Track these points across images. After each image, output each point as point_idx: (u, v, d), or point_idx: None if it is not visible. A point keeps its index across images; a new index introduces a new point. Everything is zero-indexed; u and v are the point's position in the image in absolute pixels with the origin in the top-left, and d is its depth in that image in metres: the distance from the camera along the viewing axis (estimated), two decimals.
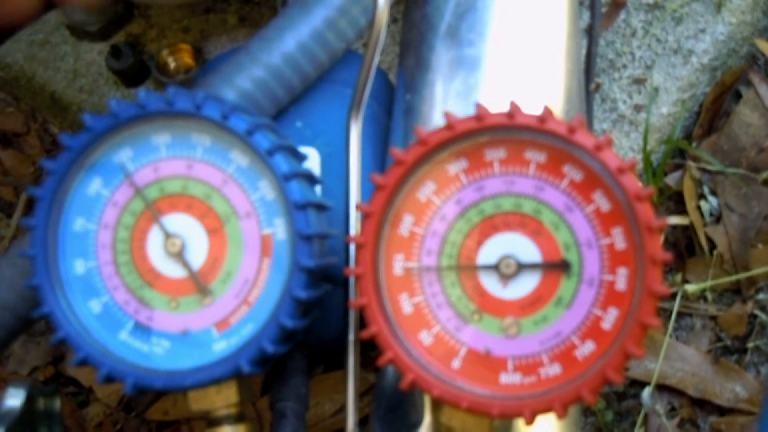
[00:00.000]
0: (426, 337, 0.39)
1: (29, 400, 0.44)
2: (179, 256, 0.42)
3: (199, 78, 0.51)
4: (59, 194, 0.43)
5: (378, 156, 0.52)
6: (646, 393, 0.79)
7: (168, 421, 0.88)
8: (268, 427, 0.47)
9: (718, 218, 0.86)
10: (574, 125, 0.37)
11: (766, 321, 0.82)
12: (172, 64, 0.95)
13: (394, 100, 0.53)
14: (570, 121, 0.37)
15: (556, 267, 0.38)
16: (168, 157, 0.43)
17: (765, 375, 0.80)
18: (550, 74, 0.49)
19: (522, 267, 0.39)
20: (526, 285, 0.39)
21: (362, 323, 0.41)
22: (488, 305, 0.39)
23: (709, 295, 0.84)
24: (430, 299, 0.39)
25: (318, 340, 0.49)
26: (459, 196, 0.40)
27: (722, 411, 0.79)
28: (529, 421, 0.36)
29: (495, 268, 0.39)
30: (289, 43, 0.48)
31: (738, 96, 0.92)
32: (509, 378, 0.38)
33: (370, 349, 0.45)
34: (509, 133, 0.39)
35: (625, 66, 0.89)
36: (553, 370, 0.38)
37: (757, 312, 0.83)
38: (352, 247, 0.46)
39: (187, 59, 0.95)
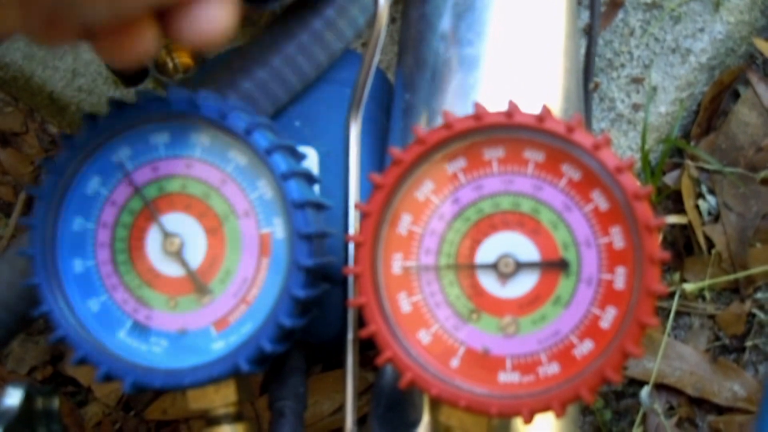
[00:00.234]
0: (424, 336, 0.39)
1: (28, 400, 0.44)
2: (178, 255, 0.42)
3: (197, 78, 0.51)
4: (58, 193, 0.43)
5: (376, 155, 0.52)
6: (645, 392, 0.79)
7: (166, 420, 0.88)
8: (266, 426, 0.47)
9: (716, 217, 0.86)
10: (572, 124, 0.37)
11: (764, 320, 0.82)
12: (170, 64, 0.95)
13: (392, 100, 0.53)
14: (568, 121, 0.37)
15: (554, 266, 0.38)
16: (167, 157, 0.43)
17: (763, 374, 0.80)
18: (548, 73, 0.49)
19: (520, 266, 0.39)
20: (524, 284, 0.39)
21: (361, 322, 0.41)
22: (487, 304, 0.39)
23: (707, 294, 0.85)
24: (429, 298, 0.40)
25: (317, 339, 0.49)
26: (457, 195, 0.40)
27: (720, 410, 0.80)
28: (528, 420, 0.37)
29: (493, 267, 0.39)
30: (288, 42, 0.48)
31: (736, 95, 0.92)
32: (508, 377, 0.38)
33: (368, 348, 0.45)
34: (508, 132, 0.39)
35: (623, 65, 0.89)
36: (552, 369, 0.38)
37: (755, 311, 0.83)
38: (351, 246, 0.46)
39: (186, 59, 0.95)
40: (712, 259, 0.84)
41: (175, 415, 0.87)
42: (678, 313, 0.84)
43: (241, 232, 0.42)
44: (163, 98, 0.42)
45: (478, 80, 0.48)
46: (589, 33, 0.63)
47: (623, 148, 0.86)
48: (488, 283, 0.39)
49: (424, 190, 0.40)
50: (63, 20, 0.32)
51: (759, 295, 0.83)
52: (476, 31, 0.49)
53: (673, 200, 0.89)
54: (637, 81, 0.88)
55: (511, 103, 0.38)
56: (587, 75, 0.63)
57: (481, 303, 0.39)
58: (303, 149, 0.47)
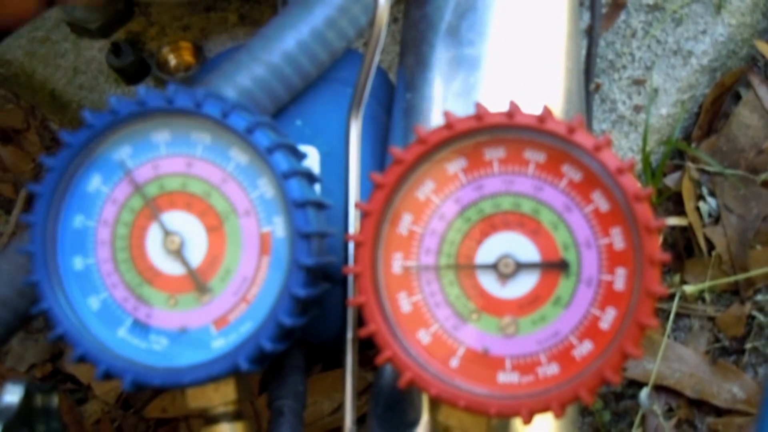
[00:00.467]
0: (424, 336, 0.39)
1: (27, 397, 0.44)
2: (178, 253, 0.42)
3: (199, 76, 0.51)
4: (59, 191, 0.43)
5: (377, 155, 0.52)
6: (644, 393, 0.79)
7: (166, 419, 0.88)
8: (265, 425, 0.47)
9: (716, 219, 0.86)
10: (573, 125, 0.37)
11: (764, 322, 0.82)
12: (172, 62, 0.95)
13: (394, 99, 0.53)
14: (569, 121, 0.37)
15: (554, 267, 0.38)
16: (168, 155, 0.43)
17: (763, 376, 0.80)
18: (549, 74, 0.49)
19: (520, 266, 0.39)
20: (524, 284, 0.39)
21: (361, 322, 0.41)
22: (486, 304, 0.39)
23: (707, 296, 0.85)
24: (429, 298, 0.40)
25: (316, 338, 0.49)
26: (458, 195, 0.40)
27: (720, 412, 0.80)
28: (527, 420, 0.37)
29: (493, 267, 0.39)
30: (289, 41, 0.48)
31: (737, 97, 0.92)
32: (507, 377, 0.38)
33: (368, 348, 0.45)
34: (509, 132, 0.39)
35: (624, 67, 0.89)
36: (551, 369, 0.38)
37: (755, 313, 0.83)
38: (351, 246, 0.46)
39: (188, 57, 0.95)
40: (712, 261, 0.84)
41: (175, 413, 0.87)
42: (678, 315, 0.84)
43: (241, 230, 0.42)
44: (165, 96, 0.42)
45: (480, 80, 0.48)
46: (590, 34, 0.63)
47: (624, 149, 0.86)
48: (488, 283, 0.39)
49: (425, 189, 0.40)
50: None
51: (759, 297, 0.83)
52: (478, 32, 0.49)
53: (673, 202, 0.89)
54: (638, 82, 0.88)
55: (512, 104, 0.38)
56: (588, 76, 0.63)
57: (481, 303, 0.39)
58: (304, 148, 0.47)
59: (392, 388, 0.47)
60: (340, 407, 0.81)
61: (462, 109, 0.47)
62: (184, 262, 0.42)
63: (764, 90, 0.91)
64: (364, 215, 0.39)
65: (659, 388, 0.81)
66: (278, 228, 0.42)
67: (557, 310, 0.38)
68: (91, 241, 0.43)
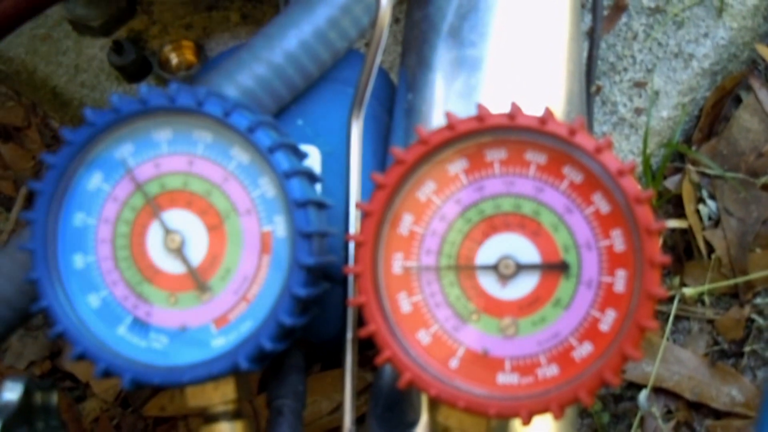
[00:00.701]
0: (424, 337, 0.39)
1: (27, 394, 0.44)
2: (179, 252, 0.42)
3: (201, 75, 0.51)
4: (59, 188, 0.43)
5: (378, 155, 0.52)
6: (643, 395, 0.79)
7: (165, 417, 0.88)
8: (264, 424, 0.47)
9: (716, 222, 0.86)
10: (574, 127, 0.37)
11: (763, 325, 0.82)
12: (174, 61, 0.95)
13: (395, 100, 0.53)
14: (570, 123, 0.38)
15: (554, 268, 0.38)
16: (169, 153, 0.43)
17: (761, 379, 0.80)
18: (551, 76, 0.50)
19: (521, 268, 0.39)
20: (524, 286, 0.39)
21: (360, 322, 0.41)
22: (487, 305, 0.39)
23: (706, 299, 0.85)
24: (429, 299, 0.40)
25: (316, 337, 0.49)
26: (459, 196, 0.40)
27: (718, 415, 0.80)
28: (526, 421, 0.37)
29: (494, 268, 0.39)
30: (291, 41, 0.48)
31: (738, 101, 0.92)
32: (506, 378, 0.38)
33: (368, 348, 0.45)
34: (510, 133, 0.39)
35: (626, 69, 0.89)
36: (551, 370, 0.38)
37: (754, 316, 0.83)
38: (352, 246, 0.46)
39: (189, 56, 0.95)
40: (711, 263, 0.84)
41: (174, 411, 0.87)
42: (677, 318, 0.84)
43: (242, 229, 0.42)
44: (166, 95, 0.42)
45: (481, 82, 0.48)
46: (592, 36, 0.63)
47: (625, 151, 0.86)
48: (488, 284, 0.39)
49: (426, 190, 0.40)
50: None
51: (758, 300, 0.83)
52: (479, 33, 0.49)
53: (673, 204, 0.89)
54: (639, 85, 0.88)
55: (513, 105, 0.38)
56: (589, 78, 0.63)
57: (481, 304, 0.39)
58: (305, 148, 0.47)
59: (392, 388, 0.47)
60: (339, 407, 0.81)
61: (463, 110, 0.47)
62: (185, 261, 0.42)
63: (765, 93, 0.91)
64: (365, 215, 0.39)
65: (658, 391, 0.81)
66: (279, 227, 0.42)
67: (557, 311, 0.38)
68: (91, 238, 0.43)
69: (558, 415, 0.36)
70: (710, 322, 0.84)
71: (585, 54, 0.62)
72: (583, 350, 0.37)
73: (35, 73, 1.04)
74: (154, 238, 0.43)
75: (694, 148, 0.90)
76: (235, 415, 0.43)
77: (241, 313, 0.42)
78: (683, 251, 0.87)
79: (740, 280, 0.83)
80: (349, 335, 0.46)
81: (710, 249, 0.85)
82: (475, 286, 0.39)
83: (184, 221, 0.43)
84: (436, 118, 0.49)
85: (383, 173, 0.39)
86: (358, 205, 0.43)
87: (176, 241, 0.42)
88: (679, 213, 0.87)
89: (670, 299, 0.84)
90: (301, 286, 0.40)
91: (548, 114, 0.38)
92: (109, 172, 0.43)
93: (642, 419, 0.80)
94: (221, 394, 0.43)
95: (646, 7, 0.92)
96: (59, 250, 0.43)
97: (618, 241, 0.37)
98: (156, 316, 0.43)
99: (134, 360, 0.42)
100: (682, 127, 0.89)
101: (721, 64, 0.90)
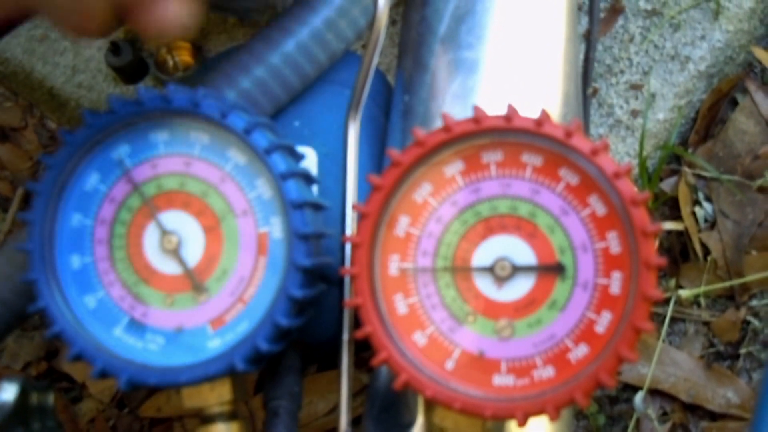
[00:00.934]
0: (420, 338, 0.39)
1: (23, 395, 0.44)
2: (175, 253, 0.43)
3: (198, 76, 0.51)
4: (57, 189, 0.43)
5: (375, 157, 0.52)
6: (639, 397, 0.80)
7: (161, 418, 0.88)
8: (260, 425, 0.47)
9: (712, 224, 0.86)
10: (571, 129, 0.37)
11: (758, 327, 0.82)
12: (171, 62, 0.95)
13: (392, 102, 0.53)
14: (567, 125, 0.38)
15: (550, 270, 0.38)
16: (166, 154, 0.43)
17: (757, 381, 0.80)
18: (547, 78, 0.50)
19: (517, 269, 0.39)
20: (520, 287, 0.39)
21: (357, 323, 0.41)
22: (483, 307, 0.39)
23: (702, 301, 0.85)
24: (425, 300, 0.40)
25: (312, 339, 0.49)
26: (455, 197, 0.40)
27: (714, 416, 0.80)
28: (522, 423, 0.37)
29: (490, 270, 0.39)
30: (288, 42, 0.48)
31: (734, 103, 0.92)
32: (502, 380, 0.38)
33: (364, 349, 0.45)
34: (506, 135, 0.39)
35: (622, 71, 0.89)
36: (547, 372, 0.38)
37: (750, 318, 0.83)
38: (348, 247, 0.46)
39: (186, 57, 0.95)
40: (707, 265, 0.84)
41: (170, 412, 0.87)
42: (673, 319, 0.84)
43: (238, 231, 0.42)
44: (163, 96, 0.42)
45: (478, 83, 0.48)
46: (588, 38, 0.63)
47: (621, 153, 0.86)
48: (484, 286, 0.39)
49: (422, 192, 0.40)
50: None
51: (754, 302, 0.84)
52: (476, 35, 0.49)
53: (669, 207, 0.89)
54: (635, 87, 0.88)
55: (510, 107, 0.38)
56: (586, 80, 0.63)
57: (477, 306, 0.39)
58: (302, 149, 0.47)
59: (388, 389, 0.47)
60: (335, 408, 0.81)
61: (460, 112, 0.47)
62: (181, 262, 0.42)
63: (761, 96, 0.91)
64: (362, 217, 0.39)
65: (654, 392, 0.81)
66: (275, 229, 0.42)
67: (553, 313, 0.38)
68: (88, 239, 0.43)
69: (554, 417, 0.36)
70: (706, 324, 0.84)
71: (581, 56, 0.62)
72: (579, 352, 0.38)
73: (32, 74, 1.04)
74: (150, 239, 0.43)
75: (690, 150, 0.90)
76: (231, 416, 0.43)
77: (237, 315, 0.42)
78: (679, 253, 0.87)
79: (736, 282, 0.83)
80: (346, 336, 0.46)
81: (706, 251, 0.85)
82: (471, 288, 0.39)
83: (180, 222, 0.43)
84: (432, 120, 0.49)
85: (380, 175, 0.40)
86: (354, 207, 0.43)
87: (173, 242, 0.42)
88: (675, 215, 0.88)
89: (666, 301, 0.84)
90: (297, 288, 0.40)
91: (545, 116, 0.38)
92: (106, 172, 0.43)
93: (638, 421, 0.80)
94: (217, 395, 0.43)
95: (642, 10, 0.92)
96: (56, 250, 0.43)
97: (614, 243, 0.38)
98: (152, 316, 0.43)
99: (131, 361, 0.42)
100: (679, 130, 0.89)
101: (717, 67, 0.90)
